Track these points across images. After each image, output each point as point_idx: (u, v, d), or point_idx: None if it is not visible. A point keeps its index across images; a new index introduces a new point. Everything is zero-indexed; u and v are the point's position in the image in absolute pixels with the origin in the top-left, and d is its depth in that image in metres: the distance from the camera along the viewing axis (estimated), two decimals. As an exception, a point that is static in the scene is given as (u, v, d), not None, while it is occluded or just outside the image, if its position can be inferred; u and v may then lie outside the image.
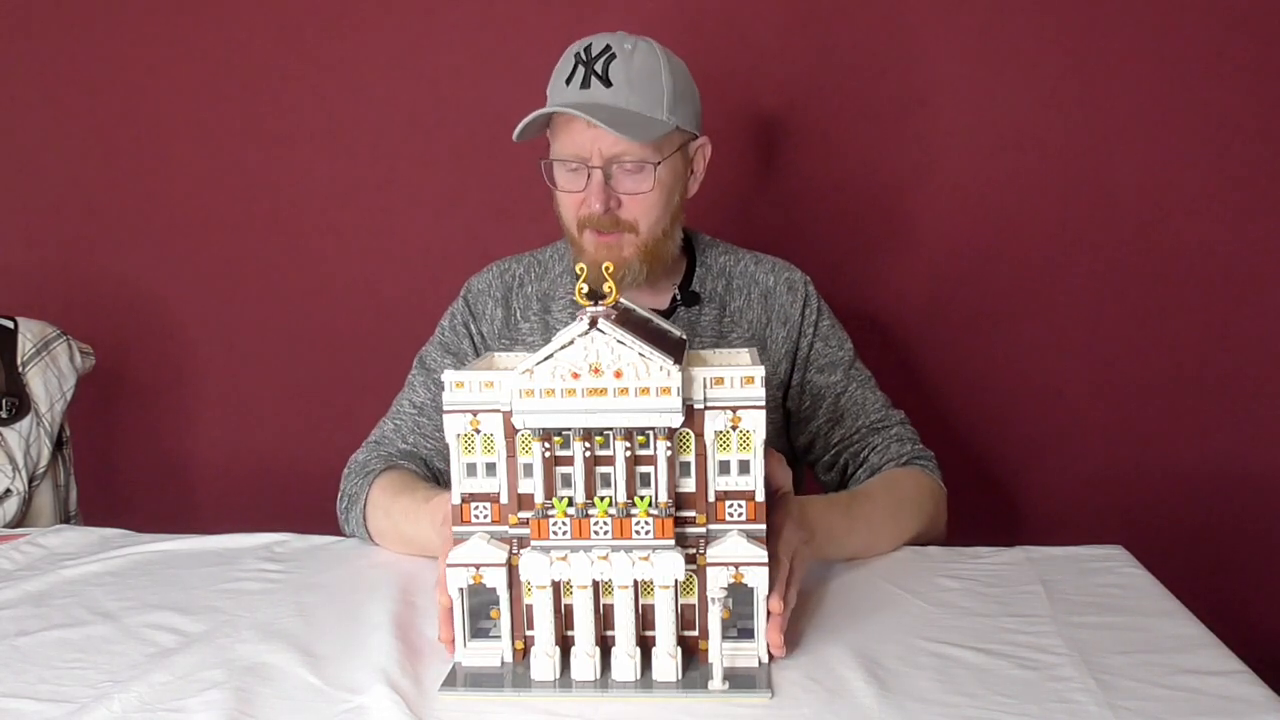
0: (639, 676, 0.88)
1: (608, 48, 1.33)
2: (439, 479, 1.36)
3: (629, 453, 0.87)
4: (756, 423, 0.87)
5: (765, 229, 1.87)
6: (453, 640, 0.92)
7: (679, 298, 1.43)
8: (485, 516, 0.91)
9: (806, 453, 1.46)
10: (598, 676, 0.89)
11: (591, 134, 1.30)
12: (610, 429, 0.86)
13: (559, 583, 0.89)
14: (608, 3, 1.81)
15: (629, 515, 0.87)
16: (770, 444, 0.98)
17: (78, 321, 1.86)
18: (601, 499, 0.87)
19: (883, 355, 1.83)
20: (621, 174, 1.33)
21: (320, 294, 1.98)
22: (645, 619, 0.90)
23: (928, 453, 1.39)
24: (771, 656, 0.91)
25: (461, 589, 0.90)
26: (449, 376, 0.89)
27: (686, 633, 0.91)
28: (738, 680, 0.88)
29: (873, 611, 1.04)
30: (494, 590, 0.90)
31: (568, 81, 1.33)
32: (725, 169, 1.80)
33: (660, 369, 0.85)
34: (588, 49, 1.33)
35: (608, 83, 1.31)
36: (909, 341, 1.89)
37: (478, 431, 0.90)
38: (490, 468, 0.90)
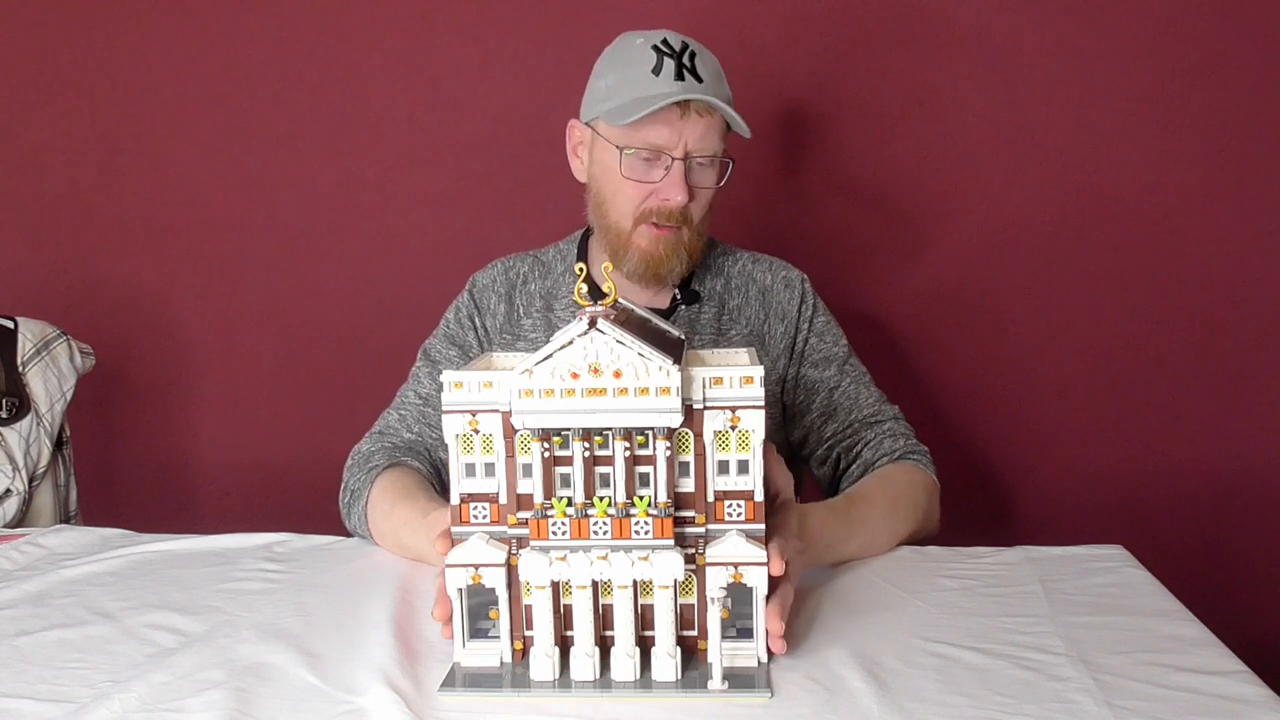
0: (638, 676, 0.88)
1: (685, 44, 1.34)
2: (441, 470, 1.35)
3: (628, 453, 0.87)
4: (755, 422, 0.87)
5: (766, 229, 1.87)
6: (449, 619, 0.92)
7: (679, 297, 1.44)
8: (484, 517, 0.91)
9: (800, 447, 1.46)
10: (597, 677, 0.89)
11: (680, 125, 1.31)
12: (609, 429, 0.86)
13: (558, 583, 0.89)
14: (609, 3, 1.81)
15: (628, 515, 0.87)
16: (771, 439, 0.98)
17: (78, 321, 1.86)
18: (601, 499, 0.87)
19: (883, 355, 1.84)
20: (695, 167, 1.34)
21: (320, 294, 1.99)
22: (644, 619, 0.90)
23: (922, 448, 1.39)
24: (771, 654, 0.91)
25: (461, 589, 0.90)
26: (448, 377, 0.89)
27: (686, 633, 0.91)
28: (737, 680, 0.88)
29: (873, 611, 1.04)
30: (493, 590, 0.90)
31: (655, 72, 1.32)
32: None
33: (659, 369, 0.85)
34: (665, 43, 1.33)
35: (699, 78, 1.32)
36: (909, 341, 1.89)
37: (476, 432, 0.90)
38: (489, 468, 0.90)
